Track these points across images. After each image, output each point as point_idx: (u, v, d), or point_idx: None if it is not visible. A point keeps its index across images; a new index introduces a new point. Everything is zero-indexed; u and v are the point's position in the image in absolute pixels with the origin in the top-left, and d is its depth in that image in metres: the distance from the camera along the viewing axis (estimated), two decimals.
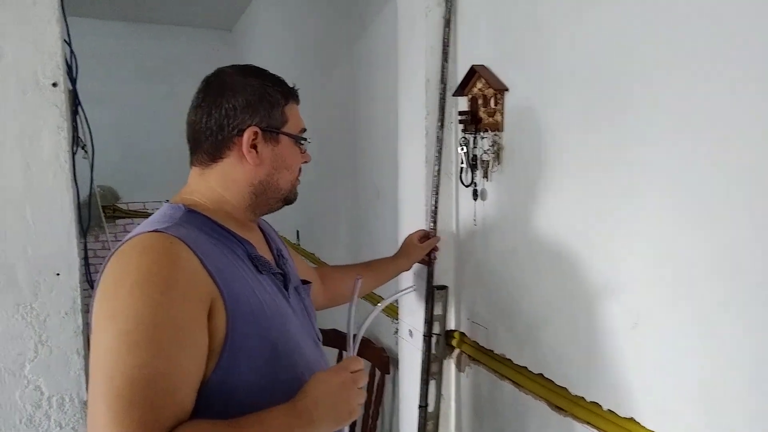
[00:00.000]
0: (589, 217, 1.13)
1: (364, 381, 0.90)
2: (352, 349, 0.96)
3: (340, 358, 2.16)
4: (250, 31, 4.13)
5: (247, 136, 0.92)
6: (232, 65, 0.99)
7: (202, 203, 0.94)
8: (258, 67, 1.00)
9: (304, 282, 1.13)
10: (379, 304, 1.03)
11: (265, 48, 3.77)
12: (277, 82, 0.98)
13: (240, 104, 0.92)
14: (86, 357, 1.33)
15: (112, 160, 4.17)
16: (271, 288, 0.94)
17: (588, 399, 1.15)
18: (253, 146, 0.93)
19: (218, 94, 0.93)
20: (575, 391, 1.19)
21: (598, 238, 1.11)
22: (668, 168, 0.95)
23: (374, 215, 2.14)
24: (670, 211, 0.95)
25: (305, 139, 1.03)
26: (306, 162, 1.05)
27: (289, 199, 1.03)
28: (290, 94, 0.99)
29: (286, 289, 1.00)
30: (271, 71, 1.01)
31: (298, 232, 3.19)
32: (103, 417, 0.69)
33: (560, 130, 1.18)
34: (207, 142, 0.94)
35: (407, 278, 1.65)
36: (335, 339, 2.04)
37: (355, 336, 0.97)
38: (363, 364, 0.91)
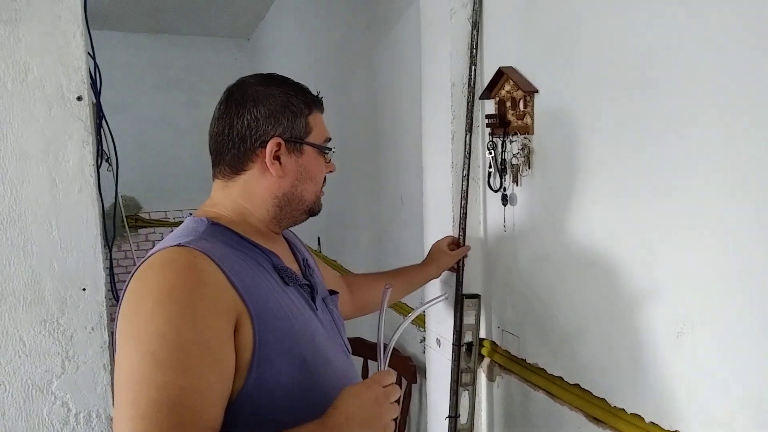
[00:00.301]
0: (628, 221, 1.08)
1: (396, 395, 0.86)
2: (383, 361, 0.93)
3: (365, 366, 2.13)
4: (269, 39, 4.13)
5: (270, 147, 0.90)
6: (255, 75, 0.96)
7: (225, 216, 0.92)
8: (281, 76, 0.97)
9: (332, 292, 1.10)
10: (409, 314, 0.99)
11: (284, 55, 3.77)
12: (300, 90, 0.96)
13: (262, 115, 0.90)
14: (113, 372, 1.33)
15: (133, 170, 4.17)
16: (298, 300, 0.92)
17: (629, 411, 1.11)
18: (276, 158, 0.91)
19: (240, 105, 0.91)
20: (615, 402, 1.14)
21: (638, 243, 1.07)
22: (716, 169, 0.91)
23: (398, 222, 2.11)
24: (720, 213, 0.91)
25: (330, 149, 1.00)
26: (331, 172, 1.02)
27: (313, 211, 1.00)
28: (314, 103, 0.96)
29: (314, 301, 0.97)
30: (293, 79, 0.98)
31: (319, 239, 3.18)
32: None
33: (596, 130, 1.14)
34: (229, 154, 0.92)
35: (434, 286, 1.61)
36: (360, 348, 2.01)
37: (385, 348, 0.93)
38: (395, 377, 0.88)
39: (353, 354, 1.15)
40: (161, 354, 0.69)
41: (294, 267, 1.00)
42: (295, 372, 0.83)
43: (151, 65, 4.48)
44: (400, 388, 1.81)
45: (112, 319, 1.30)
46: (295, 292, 0.92)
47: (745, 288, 0.88)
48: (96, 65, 1.36)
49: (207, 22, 4.25)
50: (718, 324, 0.93)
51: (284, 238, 1.06)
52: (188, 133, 4.53)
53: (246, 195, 0.93)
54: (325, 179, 1.01)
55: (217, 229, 0.88)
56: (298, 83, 0.97)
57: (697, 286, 0.96)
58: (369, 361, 2.13)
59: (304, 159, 0.94)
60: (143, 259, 0.81)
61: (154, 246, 0.85)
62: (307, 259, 1.08)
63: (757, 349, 0.87)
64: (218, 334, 0.74)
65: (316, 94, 0.99)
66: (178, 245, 0.79)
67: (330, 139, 1.01)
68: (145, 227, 4.63)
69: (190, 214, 0.94)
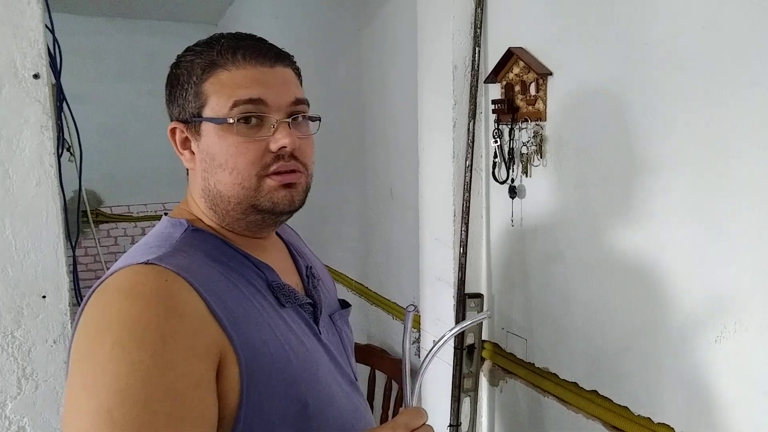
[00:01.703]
0: (656, 216, 0.99)
1: None
2: (411, 395, 0.74)
3: None
4: (239, 24, 3.94)
5: (169, 134, 0.74)
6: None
7: (203, 217, 0.75)
8: (205, 39, 0.73)
9: (343, 304, 0.90)
10: (446, 333, 0.81)
11: None
12: (207, 47, 0.70)
13: (167, 96, 0.74)
14: None
15: (93, 162, 3.94)
16: (297, 325, 0.74)
17: (656, 420, 1.02)
18: (189, 145, 0.73)
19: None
20: (639, 411, 1.06)
21: (668, 239, 0.98)
22: (763, 159, 0.82)
23: (387, 216, 1.99)
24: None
25: (227, 120, 0.68)
26: (282, 148, 0.69)
27: (259, 207, 0.71)
28: (217, 59, 0.69)
29: (317, 323, 0.79)
30: (222, 33, 0.73)
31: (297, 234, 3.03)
32: None
33: (619, 116, 1.04)
34: None
35: (433, 286, 1.50)
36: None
37: (413, 377, 0.76)
38: (426, 416, 0.70)
39: None
40: (120, 413, 0.53)
41: (294, 279, 0.82)
42: (292, 420, 0.67)
43: (112, 52, 4.24)
44: (385, 389, 1.63)
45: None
46: (293, 313, 0.75)
47: None
48: (55, 40, 1.19)
49: (171, 6, 4.04)
50: (765, 327, 0.84)
51: (282, 239, 0.88)
52: (153, 123, 4.29)
53: (192, 193, 0.76)
54: (286, 156, 0.70)
55: (198, 236, 0.71)
56: (223, 34, 0.72)
57: (741, 286, 0.87)
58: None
59: (203, 142, 0.70)
60: (105, 275, 0.65)
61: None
62: (311, 267, 0.88)
63: None
64: (196, 381, 0.59)
65: (228, 40, 0.70)
66: (146, 263, 0.62)
67: (253, 100, 0.68)
68: (107, 222, 4.40)
69: (166, 213, 0.77)
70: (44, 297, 1.10)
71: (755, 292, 0.85)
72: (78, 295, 1.42)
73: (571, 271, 1.19)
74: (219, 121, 0.68)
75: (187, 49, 0.73)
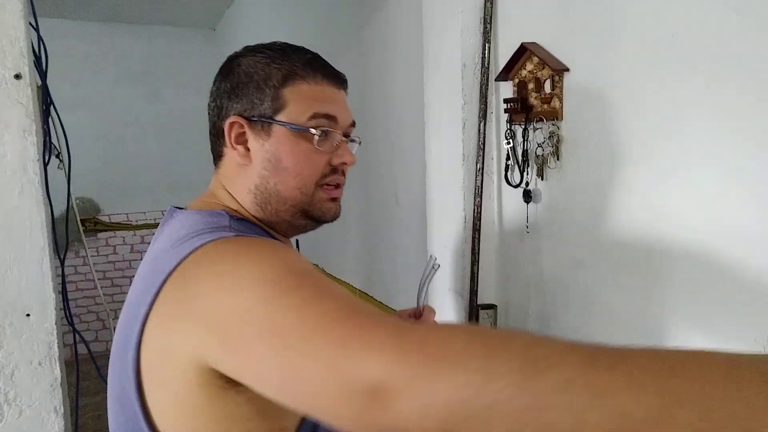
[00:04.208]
0: (680, 218, 0.92)
1: None
2: None
3: None
4: (236, 28, 3.88)
5: (227, 127, 0.74)
6: (253, 44, 0.79)
7: (243, 211, 0.76)
8: (277, 43, 0.78)
9: None
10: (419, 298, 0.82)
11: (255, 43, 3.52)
12: (283, 56, 0.75)
13: (226, 89, 0.76)
14: (66, 416, 1.07)
15: (90, 169, 3.90)
16: None
17: None
18: (243, 141, 0.75)
19: (215, 80, 0.79)
20: None
21: (693, 242, 0.90)
22: None
23: (393, 222, 1.92)
24: None
25: (309, 130, 0.73)
26: (345, 164, 0.77)
27: (309, 213, 0.76)
28: (301, 70, 0.74)
29: None
30: (293, 44, 0.79)
31: (297, 241, 2.96)
32: (342, 332, 0.49)
33: (644, 115, 0.97)
34: (210, 137, 0.80)
35: (440, 281, 1.42)
36: None
37: None
38: None
39: None
40: (311, 283, 0.55)
41: None
42: None
43: (108, 57, 4.18)
44: None
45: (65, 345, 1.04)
46: None
47: None
48: (40, 39, 1.12)
49: (168, 11, 3.98)
50: None
51: None
52: (151, 128, 4.28)
53: (230, 186, 0.77)
54: (339, 171, 0.77)
55: (244, 225, 0.72)
56: (292, 46, 0.78)
57: None
58: None
59: (272, 143, 0.73)
60: (179, 255, 0.61)
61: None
62: None
63: None
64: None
65: (310, 56, 0.76)
66: (236, 236, 0.64)
67: (329, 116, 0.74)
68: (105, 231, 4.33)
69: (180, 209, 0.75)
70: (28, 315, 1.02)
71: None
72: (68, 314, 1.33)
73: (592, 280, 1.12)
74: (299, 129, 0.73)
75: (254, 52, 0.76)
